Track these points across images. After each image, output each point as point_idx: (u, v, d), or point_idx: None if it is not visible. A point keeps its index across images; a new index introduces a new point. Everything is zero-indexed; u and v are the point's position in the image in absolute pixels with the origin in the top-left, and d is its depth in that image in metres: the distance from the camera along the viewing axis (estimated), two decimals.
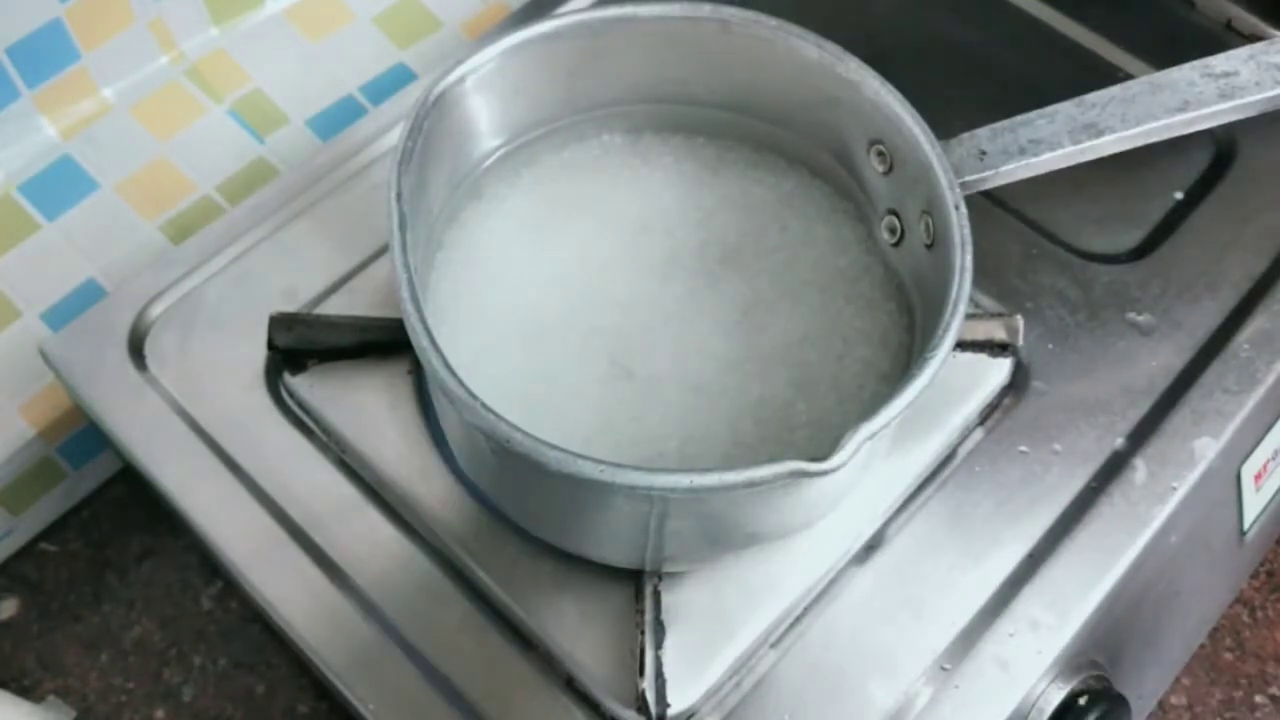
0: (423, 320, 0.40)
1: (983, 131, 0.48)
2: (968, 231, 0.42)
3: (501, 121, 0.50)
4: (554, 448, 0.38)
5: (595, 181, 0.52)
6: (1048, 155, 0.47)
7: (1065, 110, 0.49)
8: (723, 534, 0.44)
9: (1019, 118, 0.49)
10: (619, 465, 0.37)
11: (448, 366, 0.39)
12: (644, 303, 0.49)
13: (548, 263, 0.50)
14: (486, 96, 0.48)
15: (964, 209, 0.43)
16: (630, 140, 0.53)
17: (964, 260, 0.42)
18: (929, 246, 0.45)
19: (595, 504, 0.42)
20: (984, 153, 0.46)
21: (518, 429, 0.38)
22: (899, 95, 0.46)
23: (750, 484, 0.37)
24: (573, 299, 0.49)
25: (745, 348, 0.48)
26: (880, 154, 0.48)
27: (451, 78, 0.46)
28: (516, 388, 0.47)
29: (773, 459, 0.37)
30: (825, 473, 0.37)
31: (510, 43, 0.47)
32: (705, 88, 0.51)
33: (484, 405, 0.38)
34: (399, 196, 0.42)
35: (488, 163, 0.51)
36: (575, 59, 0.49)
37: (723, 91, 0.51)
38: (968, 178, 0.46)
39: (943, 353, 0.40)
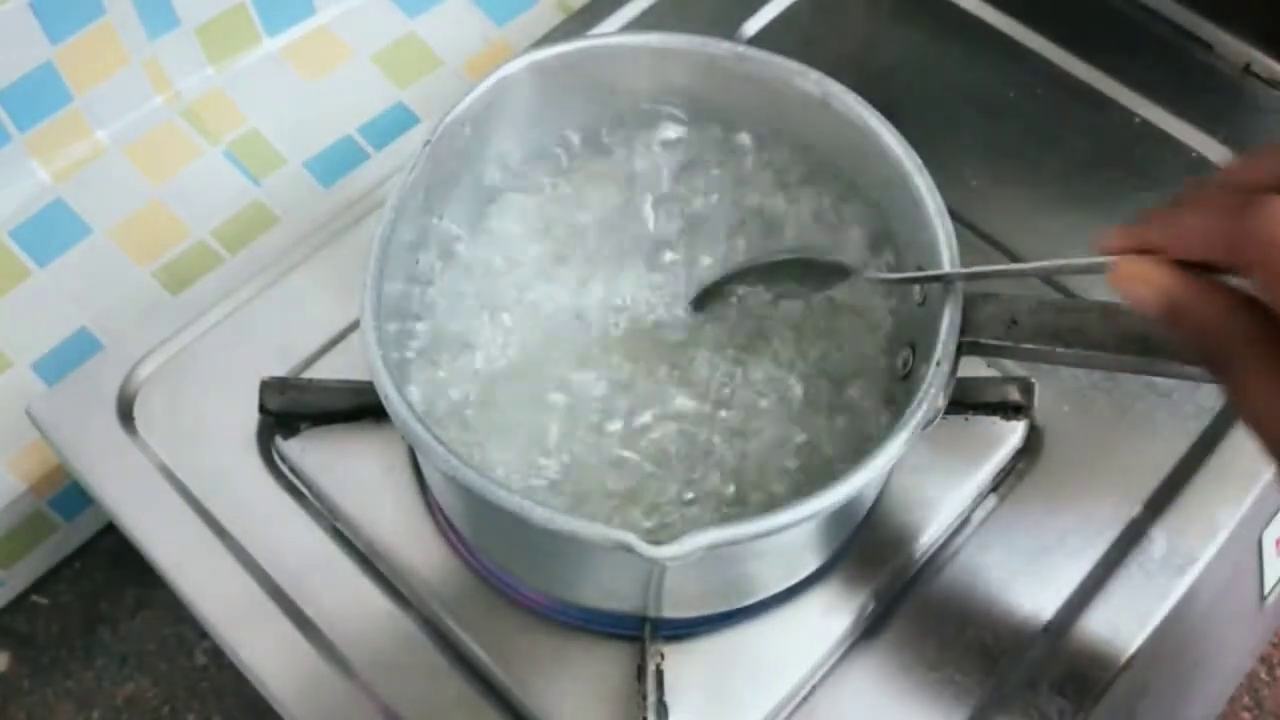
0: (384, 359, 0.40)
1: (1028, 299, 0.41)
2: (940, 398, 0.40)
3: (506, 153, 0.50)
4: (504, 488, 0.37)
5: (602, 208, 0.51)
6: (1078, 352, 0.40)
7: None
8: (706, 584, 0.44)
9: (1080, 302, 0.43)
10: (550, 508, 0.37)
11: (410, 409, 0.39)
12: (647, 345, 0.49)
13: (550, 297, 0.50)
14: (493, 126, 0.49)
15: (946, 367, 0.39)
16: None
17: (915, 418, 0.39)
18: (903, 378, 0.44)
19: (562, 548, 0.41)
20: (1014, 321, 0.40)
21: (468, 465, 0.37)
22: (950, 229, 0.42)
23: (576, 539, 0.36)
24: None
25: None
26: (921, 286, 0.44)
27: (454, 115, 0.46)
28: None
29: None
30: (654, 559, 0.36)
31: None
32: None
33: (442, 443, 0.38)
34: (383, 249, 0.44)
35: (493, 191, 0.51)
36: None
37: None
38: (981, 339, 0.41)
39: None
